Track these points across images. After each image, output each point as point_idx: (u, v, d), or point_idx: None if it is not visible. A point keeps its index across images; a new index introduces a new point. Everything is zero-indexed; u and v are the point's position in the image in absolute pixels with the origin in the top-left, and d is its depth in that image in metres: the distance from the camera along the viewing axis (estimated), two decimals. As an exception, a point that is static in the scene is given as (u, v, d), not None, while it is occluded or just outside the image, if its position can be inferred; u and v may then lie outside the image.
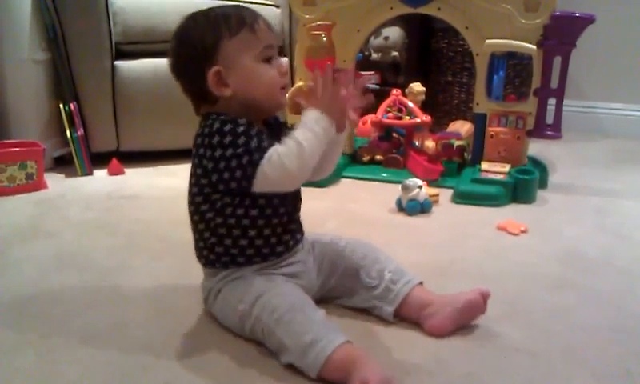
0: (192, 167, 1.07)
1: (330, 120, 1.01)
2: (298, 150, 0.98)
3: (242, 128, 1.00)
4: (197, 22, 1.06)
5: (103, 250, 1.47)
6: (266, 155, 0.98)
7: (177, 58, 1.07)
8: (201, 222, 1.08)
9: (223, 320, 1.08)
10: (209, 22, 1.04)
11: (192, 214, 1.10)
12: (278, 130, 1.12)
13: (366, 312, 1.14)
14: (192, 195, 1.09)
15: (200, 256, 1.12)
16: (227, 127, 1.00)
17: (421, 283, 1.13)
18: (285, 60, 1.10)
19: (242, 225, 1.06)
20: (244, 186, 0.99)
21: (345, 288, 1.15)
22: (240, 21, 1.03)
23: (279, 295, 1.00)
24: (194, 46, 1.04)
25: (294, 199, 1.12)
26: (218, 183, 1.02)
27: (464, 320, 1.08)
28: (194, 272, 1.16)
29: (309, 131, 0.99)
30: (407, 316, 1.11)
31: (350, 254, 1.16)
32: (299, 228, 1.16)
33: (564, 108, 1.97)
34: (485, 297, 1.08)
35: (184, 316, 1.14)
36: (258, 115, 1.08)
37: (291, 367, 0.94)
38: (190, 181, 1.09)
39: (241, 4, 1.09)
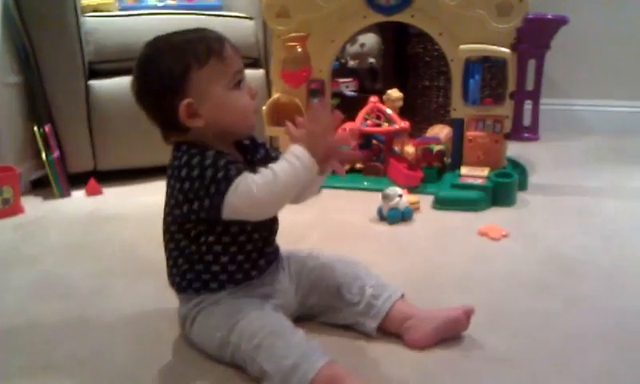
0: (166, 196, 1.06)
1: (313, 160, 0.98)
2: (271, 181, 0.96)
3: (208, 161, 0.98)
4: (162, 51, 1.03)
5: (83, 275, 1.45)
6: (233, 185, 0.96)
7: (143, 88, 1.05)
8: (175, 250, 1.08)
9: (202, 346, 1.07)
10: (174, 52, 1.02)
11: (167, 241, 1.09)
12: (254, 151, 1.12)
13: (348, 328, 1.13)
14: (167, 224, 1.08)
15: (173, 283, 1.11)
16: (195, 160, 0.98)
17: (402, 296, 1.12)
18: (253, 85, 1.09)
19: (214, 251, 1.05)
20: (213, 215, 0.98)
21: (326, 306, 1.14)
22: (207, 49, 1.01)
23: (256, 320, 0.99)
24: (162, 78, 1.01)
25: (270, 223, 1.11)
26: (190, 213, 1.00)
27: (445, 335, 1.08)
28: (175, 296, 1.14)
29: (289, 166, 0.98)
30: (389, 329, 1.10)
31: (330, 271, 1.15)
32: (275, 250, 1.15)
33: (542, 107, 1.99)
34: (468, 314, 1.08)
35: (165, 341, 1.13)
36: (229, 140, 1.07)
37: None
38: (165, 209, 1.08)
39: (204, 28, 1.06)
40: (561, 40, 1.93)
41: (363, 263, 1.19)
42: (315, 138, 0.99)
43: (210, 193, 0.97)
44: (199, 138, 1.03)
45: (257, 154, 1.12)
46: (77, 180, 2.19)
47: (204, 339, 1.05)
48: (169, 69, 1.01)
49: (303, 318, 1.14)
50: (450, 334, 1.08)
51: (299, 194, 1.06)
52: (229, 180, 0.96)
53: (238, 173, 0.97)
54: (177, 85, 1.01)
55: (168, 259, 1.11)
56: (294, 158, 0.98)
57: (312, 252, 1.21)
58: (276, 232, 1.15)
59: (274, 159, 1.03)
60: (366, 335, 1.10)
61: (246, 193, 0.96)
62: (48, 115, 2.17)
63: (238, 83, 1.05)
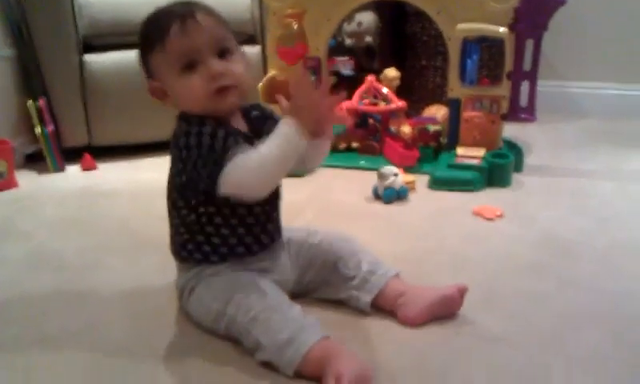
0: (170, 163, 1.07)
1: (302, 132, 0.96)
2: (260, 160, 0.96)
3: (208, 129, 0.98)
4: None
5: (77, 249, 1.45)
6: (230, 163, 0.96)
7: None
8: (177, 217, 1.08)
9: (198, 318, 1.07)
10: (140, 34, 1.04)
11: (169, 208, 1.10)
12: (262, 122, 1.10)
13: (342, 305, 1.13)
14: (169, 190, 1.09)
15: (174, 251, 1.12)
16: (194, 129, 0.99)
17: (397, 274, 1.13)
18: (214, 62, 1.01)
19: (215, 223, 1.05)
20: (210, 188, 0.98)
21: (322, 281, 1.15)
22: (152, 36, 1.02)
23: (254, 293, 0.99)
24: (138, 58, 1.06)
25: (272, 198, 1.09)
26: (189, 182, 1.01)
27: (439, 313, 1.08)
28: (170, 270, 1.15)
29: (277, 145, 0.96)
30: (383, 306, 1.11)
31: (327, 247, 1.15)
32: (277, 227, 1.15)
33: (539, 88, 1.98)
34: (462, 292, 1.08)
35: (160, 315, 1.13)
36: (222, 115, 1.05)
37: (268, 364, 0.94)
38: (168, 176, 1.08)
39: (175, 2, 1.04)
40: (557, 21, 1.92)
41: (359, 241, 1.19)
42: (302, 111, 0.97)
43: (207, 166, 0.97)
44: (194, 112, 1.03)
45: (264, 126, 1.10)
46: (71, 155, 2.19)
47: (200, 310, 1.06)
48: (139, 50, 1.05)
49: (299, 294, 1.14)
50: (444, 312, 1.08)
51: (304, 161, 1.06)
52: (225, 156, 0.96)
53: (236, 149, 0.97)
54: (144, 66, 1.06)
55: (171, 226, 1.11)
56: (281, 133, 0.97)
57: (310, 230, 1.21)
58: (278, 208, 1.14)
59: None
60: (361, 311, 1.11)
61: (239, 173, 0.96)
62: (42, 89, 2.16)
63: (190, 66, 1.00)
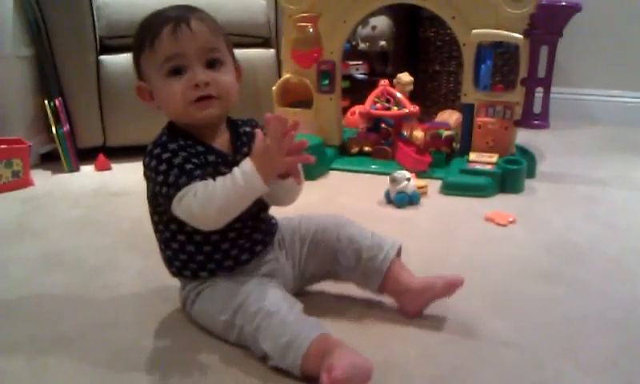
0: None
1: (259, 178, 0.94)
2: (210, 195, 0.94)
3: (167, 155, 0.98)
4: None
5: (91, 249, 1.46)
6: (179, 193, 0.95)
7: None
8: (159, 237, 1.09)
9: (206, 327, 1.07)
10: (135, 33, 1.04)
11: (153, 228, 1.10)
12: (251, 139, 1.05)
13: (351, 305, 1.16)
14: (151, 207, 1.08)
15: (165, 266, 1.12)
16: (156, 150, 0.99)
17: (399, 252, 1.14)
18: (199, 71, 0.99)
19: (195, 241, 1.04)
20: (166, 208, 0.99)
21: (326, 272, 1.16)
22: (144, 36, 1.01)
23: (255, 301, 0.98)
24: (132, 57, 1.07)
25: (254, 211, 1.06)
26: (155, 199, 1.03)
27: (436, 299, 1.10)
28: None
29: (231, 183, 0.95)
30: (388, 292, 1.13)
31: (324, 236, 1.14)
32: (267, 232, 1.12)
33: (552, 96, 1.98)
34: (459, 282, 1.09)
35: (172, 316, 1.14)
36: (202, 127, 1.04)
37: (278, 368, 0.94)
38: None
39: (176, 6, 1.03)
40: (571, 28, 1.91)
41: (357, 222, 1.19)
42: (267, 154, 0.94)
43: (162, 192, 0.98)
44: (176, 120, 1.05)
45: (242, 141, 1.08)
46: (86, 155, 2.21)
47: (207, 321, 1.05)
48: (132, 50, 1.05)
49: (304, 288, 1.17)
50: (441, 296, 1.10)
51: (273, 200, 1.08)
52: (177, 186, 0.96)
53: (189, 178, 0.96)
54: (135, 67, 1.06)
55: (158, 243, 1.11)
56: (239, 175, 0.95)
57: (303, 219, 1.19)
58: (263, 215, 1.12)
59: None
60: (369, 312, 1.13)
61: (187, 206, 0.95)
62: (59, 89, 2.18)
63: (175, 72, 1.00)
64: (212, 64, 1.01)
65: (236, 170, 0.96)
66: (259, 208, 1.09)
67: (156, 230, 1.09)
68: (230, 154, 1.06)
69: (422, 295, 1.09)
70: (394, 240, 1.15)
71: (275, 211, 1.16)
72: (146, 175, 1.02)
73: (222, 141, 1.06)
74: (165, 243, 1.07)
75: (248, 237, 1.07)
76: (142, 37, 1.01)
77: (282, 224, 1.17)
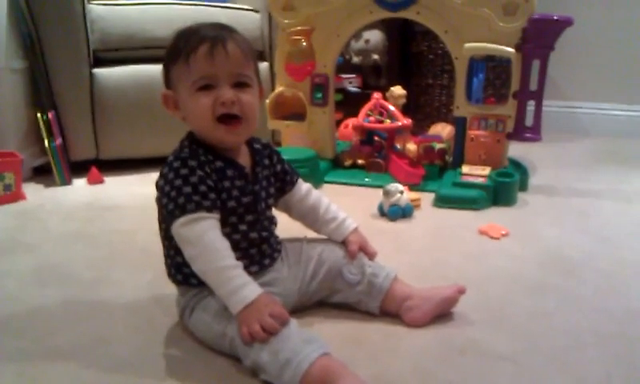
0: None
1: (236, 309, 0.96)
2: (204, 260, 0.98)
3: (184, 171, 1.00)
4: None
5: (84, 263, 1.45)
6: (182, 219, 0.99)
7: None
8: (166, 238, 1.09)
9: (202, 338, 1.07)
10: (171, 43, 1.06)
11: (162, 236, 1.11)
12: (262, 155, 1.14)
13: (348, 318, 1.15)
14: (161, 215, 1.09)
15: (169, 274, 1.12)
16: (176, 163, 1.02)
17: (396, 276, 1.17)
18: (226, 90, 1.03)
19: None
20: (168, 224, 1.02)
21: (328, 288, 1.17)
22: (179, 49, 1.03)
23: None
24: (163, 65, 1.09)
25: (268, 224, 1.13)
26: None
27: (440, 312, 1.14)
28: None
29: (224, 281, 0.97)
30: (390, 309, 1.15)
31: (329, 255, 1.17)
32: (275, 246, 1.15)
33: (544, 108, 1.99)
34: (461, 292, 1.14)
35: (166, 330, 1.13)
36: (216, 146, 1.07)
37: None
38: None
39: (213, 24, 1.07)
40: (562, 42, 1.93)
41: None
42: (260, 315, 0.94)
43: (168, 207, 1.01)
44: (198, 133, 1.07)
45: (263, 159, 1.14)
46: (79, 168, 2.20)
47: (203, 330, 1.05)
48: (164, 59, 1.07)
49: (304, 304, 1.16)
50: (444, 311, 1.15)
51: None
52: (183, 210, 0.99)
53: (197, 207, 0.99)
54: (165, 75, 1.08)
55: (164, 249, 1.12)
56: (237, 287, 0.96)
57: (307, 239, 1.22)
58: (272, 229, 1.16)
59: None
60: (365, 327, 1.12)
61: (184, 239, 0.99)
62: (51, 102, 2.17)
63: (204, 88, 1.02)
64: (239, 85, 1.04)
65: (242, 284, 0.97)
66: (270, 221, 1.15)
67: (165, 237, 1.09)
68: (249, 168, 1.10)
69: (428, 301, 1.12)
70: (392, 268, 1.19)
71: (283, 236, 1.19)
72: (159, 184, 1.05)
73: (242, 155, 1.10)
74: (176, 250, 1.06)
75: (259, 248, 1.10)
76: (178, 49, 1.03)
77: (287, 240, 1.20)
